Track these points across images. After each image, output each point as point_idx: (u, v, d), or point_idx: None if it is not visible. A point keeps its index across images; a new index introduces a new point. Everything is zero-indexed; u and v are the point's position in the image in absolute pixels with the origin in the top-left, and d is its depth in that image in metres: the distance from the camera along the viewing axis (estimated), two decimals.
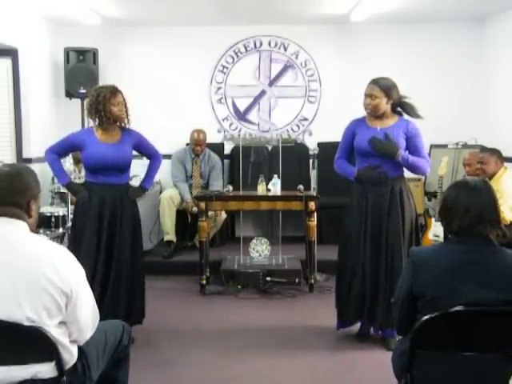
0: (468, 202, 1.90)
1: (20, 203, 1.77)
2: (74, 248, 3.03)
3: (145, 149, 3.48)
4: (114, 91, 3.28)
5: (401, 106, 3.30)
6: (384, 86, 3.23)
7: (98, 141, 3.23)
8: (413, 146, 3.24)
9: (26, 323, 1.65)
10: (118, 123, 3.31)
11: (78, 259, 1.84)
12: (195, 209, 4.83)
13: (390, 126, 3.25)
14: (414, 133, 3.25)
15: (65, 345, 1.77)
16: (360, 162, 3.29)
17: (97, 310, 1.93)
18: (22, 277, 1.66)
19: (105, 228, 3.20)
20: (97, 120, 3.26)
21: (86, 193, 3.22)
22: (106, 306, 3.09)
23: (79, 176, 4.85)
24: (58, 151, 3.36)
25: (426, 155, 3.32)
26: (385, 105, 3.22)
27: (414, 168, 3.26)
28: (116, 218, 3.24)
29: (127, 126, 3.38)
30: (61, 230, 4.30)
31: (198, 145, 5.25)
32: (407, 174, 5.21)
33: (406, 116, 3.35)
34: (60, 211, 4.33)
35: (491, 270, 1.86)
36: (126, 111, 3.35)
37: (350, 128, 3.38)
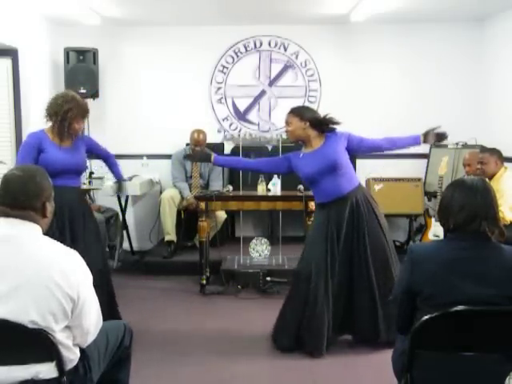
0: (463, 201, 1.92)
1: (35, 206, 1.79)
2: None
3: (98, 150, 3.59)
4: (85, 115, 3.29)
5: (319, 124, 3.29)
6: (296, 111, 3.33)
7: (55, 145, 3.24)
8: (356, 141, 3.27)
9: (30, 326, 1.66)
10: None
11: None
12: (193, 200, 4.90)
13: (320, 147, 3.27)
14: (346, 136, 3.27)
15: (68, 346, 1.77)
16: (314, 187, 3.32)
17: (101, 316, 1.94)
18: (30, 280, 1.67)
19: (67, 229, 3.19)
20: (55, 127, 3.26)
21: None
22: None
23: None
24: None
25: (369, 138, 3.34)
26: (302, 129, 3.27)
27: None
28: (77, 219, 3.24)
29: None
30: None
31: (197, 145, 5.26)
32: (407, 174, 5.23)
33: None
34: None
35: (489, 266, 1.87)
36: None
37: (288, 164, 3.42)
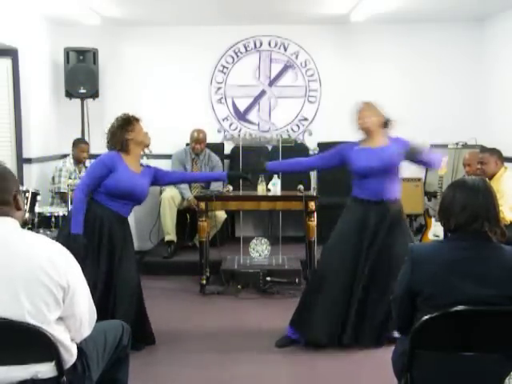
0: (464, 201, 1.92)
1: (7, 200, 1.78)
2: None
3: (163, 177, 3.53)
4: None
5: (387, 125, 3.36)
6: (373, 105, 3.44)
7: (129, 170, 3.19)
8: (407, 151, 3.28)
9: (27, 317, 1.65)
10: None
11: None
12: (194, 201, 4.90)
13: (383, 146, 3.29)
14: (407, 144, 3.30)
15: (64, 343, 1.77)
16: (361, 181, 3.31)
17: (94, 308, 1.93)
18: (18, 272, 1.66)
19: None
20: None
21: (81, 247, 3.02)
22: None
23: (79, 176, 4.86)
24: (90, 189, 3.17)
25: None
26: (377, 123, 3.33)
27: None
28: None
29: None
30: None
31: (197, 143, 5.26)
32: (407, 174, 5.21)
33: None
34: (60, 211, 4.32)
35: (489, 266, 1.86)
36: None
37: (340, 157, 3.41)
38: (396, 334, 3.25)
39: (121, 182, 3.10)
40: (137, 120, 3.26)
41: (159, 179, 3.44)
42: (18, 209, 1.82)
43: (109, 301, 3.08)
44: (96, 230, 3.10)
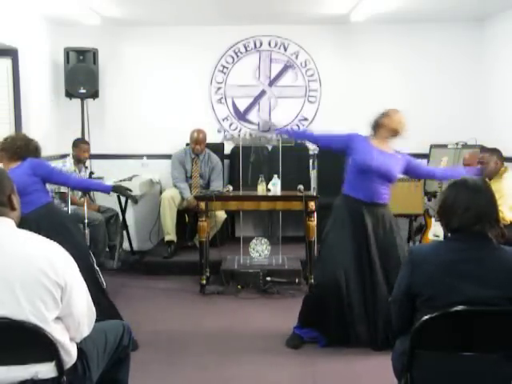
0: (468, 201, 1.91)
1: (2, 200, 1.78)
2: None
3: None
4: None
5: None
6: None
7: None
8: (414, 164, 3.44)
9: (27, 317, 1.65)
10: None
11: None
12: (194, 201, 4.91)
13: (391, 153, 3.35)
14: (407, 159, 3.42)
15: (64, 343, 1.77)
16: (358, 179, 3.31)
17: (93, 307, 1.93)
18: (16, 272, 1.66)
19: None
20: None
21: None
22: None
23: (79, 176, 4.86)
24: None
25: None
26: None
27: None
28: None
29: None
30: None
31: (197, 143, 5.26)
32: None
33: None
34: None
35: (489, 267, 1.86)
36: None
37: (347, 142, 3.42)
38: None
39: None
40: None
41: (48, 174, 3.43)
42: (13, 209, 1.82)
43: None
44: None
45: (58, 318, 1.75)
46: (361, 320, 3.24)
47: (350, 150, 3.36)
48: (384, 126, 3.34)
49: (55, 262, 1.72)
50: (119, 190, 3.87)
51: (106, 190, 3.81)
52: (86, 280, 2.82)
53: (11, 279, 1.66)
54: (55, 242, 1.83)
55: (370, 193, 3.28)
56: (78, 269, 1.84)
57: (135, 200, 4.10)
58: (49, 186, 4.93)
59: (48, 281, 1.68)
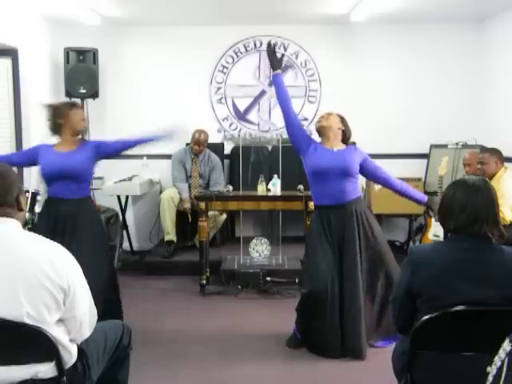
0: (464, 201, 1.90)
1: (10, 201, 1.78)
2: None
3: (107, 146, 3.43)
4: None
5: (347, 137, 3.43)
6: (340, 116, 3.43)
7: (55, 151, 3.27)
8: (372, 166, 3.35)
9: (27, 320, 1.65)
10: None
11: None
12: (188, 205, 4.91)
13: (341, 149, 3.33)
14: (364, 156, 3.35)
15: (64, 344, 1.77)
16: (317, 185, 3.30)
17: (94, 309, 1.93)
18: (19, 274, 1.67)
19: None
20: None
21: None
22: None
23: None
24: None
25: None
26: (336, 128, 3.37)
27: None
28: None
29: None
30: None
31: (198, 144, 5.25)
32: (407, 174, 5.22)
33: None
34: None
35: (489, 267, 1.86)
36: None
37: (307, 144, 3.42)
38: (380, 344, 3.28)
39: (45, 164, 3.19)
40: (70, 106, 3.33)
41: (102, 151, 3.38)
42: (20, 210, 1.82)
43: None
44: (50, 224, 3.14)
45: (59, 320, 1.76)
46: (333, 328, 3.19)
47: (306, 155, 3.37)
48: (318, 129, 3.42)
49: (58, 265, 1.72)
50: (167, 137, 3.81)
51: (154, 142, 3.77)
52: (109, 279, 2.84)
53: (14, 280, 1.66)
54: (58, 244, 1.83)
55: (333, 194, 3.24)
56: (80, 270, 1.85)
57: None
58: None
59: (51, 284, 1.68)
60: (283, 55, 3.52)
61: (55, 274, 1.69)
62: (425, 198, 3.42)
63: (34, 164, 3.35)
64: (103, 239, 3.43)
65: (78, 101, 5.47)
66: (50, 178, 3.21)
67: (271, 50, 3.49)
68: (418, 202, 3.44)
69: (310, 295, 3.22)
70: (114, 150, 3.46)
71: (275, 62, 3.50)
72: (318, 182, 3.29)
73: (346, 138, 3.40)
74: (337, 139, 3.36)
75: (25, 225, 3.91)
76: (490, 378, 1.53)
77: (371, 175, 3.40)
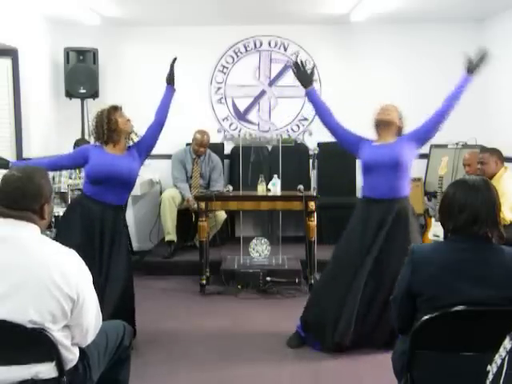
0: (463, 202, 1.90)
1: (33, 207, 1.78)
2: None
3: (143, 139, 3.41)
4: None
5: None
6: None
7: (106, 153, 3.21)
8: (419, 128, 3.39)
9: (30, 326, 1.66)
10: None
11: None
12: (195, 205, 4.89)
13: (391, 143, 3.32)
14: (408, 135, 3.39)
15: (66, 346, 1.77)
16: (368, 177, 3.31)
17: (100, 315, 1.94)
18: (30, 280, 1.67)
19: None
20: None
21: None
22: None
23: (79, 176, 4.86)
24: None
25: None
26: (396, 122, 3.41)
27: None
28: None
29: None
30: None
31: (201, 146, 5.25)
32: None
33: None
34: (60, 211, 4.31)
35: (489, 267, 1.86)
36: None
37: (358, 144, 3.41)
38: None
39: (97, 166, 3.12)
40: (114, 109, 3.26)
41: (143, 146, 3.39)
42: (42, 218, 1.83)
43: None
44: (87, 224, 3.09)
45: (65, 326, 1.76)
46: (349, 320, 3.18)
47: (359, 152, 3.35)
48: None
49: (70, 274, 1.72)
50: (172, 74, 3.82)
51: (171, 92, 3.81)
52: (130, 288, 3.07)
53: (23, 283, 1.66)
54: (75, 252, 1.82)
55: (382, 188, 3.22)
56: (91, 278, 1.85)
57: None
58: None
59: (60, 294, 1.69)
60: (314, 67, 3.45)
61: (65, 284, 1.70)
62: (464, 75, 3.49)
63: (82, 166, 3.27)
64: (129, 247, 3.44)
65: (79, 101, 5.49)
66: (99, 179, 3.12)
67: (299, 69, 3.44)
68: (465, 82, 3.52)
69: (331, 275, 3.27)
70: (152, 137, 3.44)
71: (306, 79, 3.45)
72: (368, 174, 3.29)
73: (399, 131, 3.40)
74: (391, 133, 3.35)
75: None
76: (490, 376, 1.53)
77: (428, 130, 3.38)
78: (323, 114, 3.47)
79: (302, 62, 3.46)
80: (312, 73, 3.48)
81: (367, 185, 3.32)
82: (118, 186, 3.15)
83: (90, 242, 3.06)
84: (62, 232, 3.16)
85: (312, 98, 3.47)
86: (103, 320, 1.98)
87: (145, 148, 3.38)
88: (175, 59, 3.55)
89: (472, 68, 3.34)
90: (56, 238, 3.02)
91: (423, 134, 3.35)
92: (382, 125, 3.34)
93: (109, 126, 3.16)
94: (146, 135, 3.40)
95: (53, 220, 4.22)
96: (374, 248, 3.20)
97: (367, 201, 3.30)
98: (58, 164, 3.30)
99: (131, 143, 3.35)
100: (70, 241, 2.98)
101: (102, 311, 2.84)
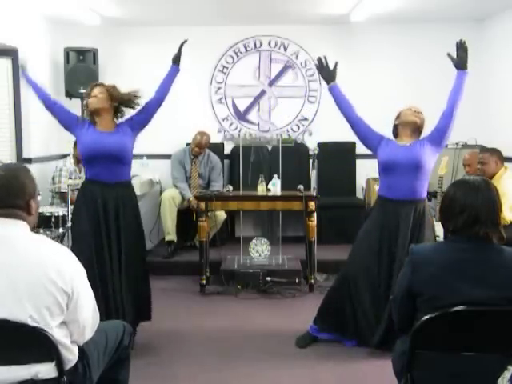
0: (464, 202, 1.89)
1: (19, 204, 1.78)
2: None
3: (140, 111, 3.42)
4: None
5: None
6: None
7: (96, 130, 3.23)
8: (436, 129, 3.37)
9: (29, 323, 1.66)
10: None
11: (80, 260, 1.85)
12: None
13: (411, 144, 3.31)
14: (427, 137, 3.35)
15: (66, 345, 1.77)
16: (386, 178, 3.30)
17: (97, 312, 1.94)
18: (24, 277, 1.67)
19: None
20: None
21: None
22: (114, 306, 3.12)
23: (79, 176, 4.86)
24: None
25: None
26: (420, 124, 3.43)
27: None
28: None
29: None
30: (61, 229, 4.29)
31: (197, 146, 5.25)
32: None
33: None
34: (60, 211, 4.31)
35: (489, 268, 1.85)
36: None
37: (378, 141, 3.41)
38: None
39: (85, 143, 3.16)
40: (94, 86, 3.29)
41: (139, 117, 3.41)
42: (30, 214, 1.82)
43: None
44: (91, 207, 3.13)
45: (62, 323, 1.76)
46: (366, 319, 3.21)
47: (377, 150, 3.35)
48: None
49: (64, 269, 1.72)
50: (179, 55, 3.85)
51: (175, 72, 3.83)
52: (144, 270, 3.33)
53: (18, 281, 1.66)
54: (64, 247, 1.84)
55: (400, 188, 3.20)
56: (85, 273, 1.85)
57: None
58: (48, 187, 4.97)
59: (55, 289, 1.69)
60: (337, 63, 3.47)
61: (60, 279, 1.70)
62: (457, 71, 3.56)
63: (67, 128, 3.27)
64: (142, 229, 3.41)
65: (79, 101, 5.48)
66: (90, 156, 3.15)
67: (322, 66, 3.48)
68: (459, 78, 3.61)
69: (347, 275, 3.27)
70: (149, 113, 3.47)
71: (328, 75, 3.51)
72: (387, 174, 3.27)
73: (420, 133, 3.40)
74: (414, 134, 3.35)
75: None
76: (508, 375, 1.53)
77: (443, 128, 3.37)
78: (345, 109, 3.54)
79: (325, 58, 3.50)
80: (335, 68, 3.52)
81: (385, 184, 3.31)
82: (111, 162, 3.16)
83: (97, 226, 3.12)
84: (74, 221, 3.25)
85: (335, 93, 3.56)
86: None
87: (139, 122, 3.40)
88: (185, 41, 3.63)
89: (458, 62, 3.32)
90: (70, 228, 3.25)
91: (438, 139, 3.34)
92: (407, 126, 3.35)
93: (87, 110, 3.26)
94: (142, 110, 3.43)
95: (53, 220, 4.22)
96: (391, 250, 3.20)
97: (385, 201, 3.28)
98: (54, 104, 3.30)
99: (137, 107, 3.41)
100: (80, 228, 3.12)
101: (120, 292, 2.98)
